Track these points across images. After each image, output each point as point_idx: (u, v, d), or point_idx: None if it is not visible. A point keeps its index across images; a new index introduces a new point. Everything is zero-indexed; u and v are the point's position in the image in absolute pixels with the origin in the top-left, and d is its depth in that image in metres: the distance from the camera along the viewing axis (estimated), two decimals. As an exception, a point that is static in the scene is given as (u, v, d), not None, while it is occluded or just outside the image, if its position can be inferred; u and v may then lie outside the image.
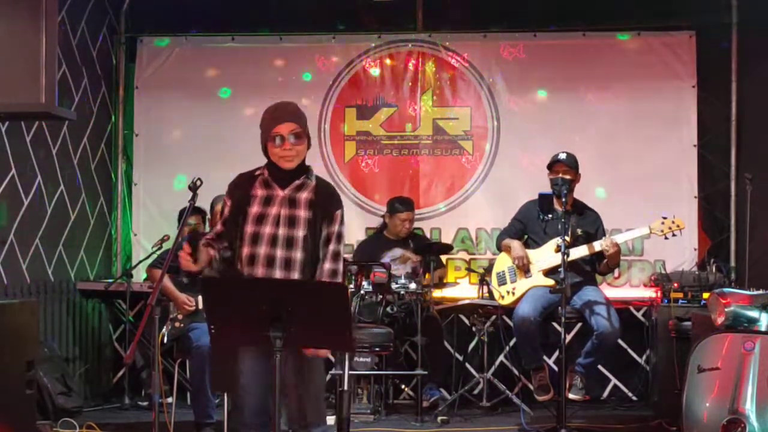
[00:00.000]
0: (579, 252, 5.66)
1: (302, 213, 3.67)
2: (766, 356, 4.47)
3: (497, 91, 7.20)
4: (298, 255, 3.64)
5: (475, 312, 6.46)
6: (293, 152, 3.68)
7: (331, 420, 5.61)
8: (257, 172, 3.77)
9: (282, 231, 3.64)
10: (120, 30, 7.36)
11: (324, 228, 3.71)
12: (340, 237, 3.74)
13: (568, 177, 5.73)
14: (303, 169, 3.76)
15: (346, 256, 5.64)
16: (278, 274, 3.62)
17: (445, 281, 6.79)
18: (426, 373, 6.07)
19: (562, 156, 5.82)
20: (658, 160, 7.00)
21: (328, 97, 7.29)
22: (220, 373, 3.72)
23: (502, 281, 5.95)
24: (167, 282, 5.54)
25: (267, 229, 3.65)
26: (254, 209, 3.68)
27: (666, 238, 5.65)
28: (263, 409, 3.63)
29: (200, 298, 5.49)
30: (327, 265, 3.68)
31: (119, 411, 6.45)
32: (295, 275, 3.62)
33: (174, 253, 3.78)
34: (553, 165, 5.83)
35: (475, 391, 6.59)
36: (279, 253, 3.63)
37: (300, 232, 3.64)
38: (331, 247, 3.71)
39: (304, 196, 3.70)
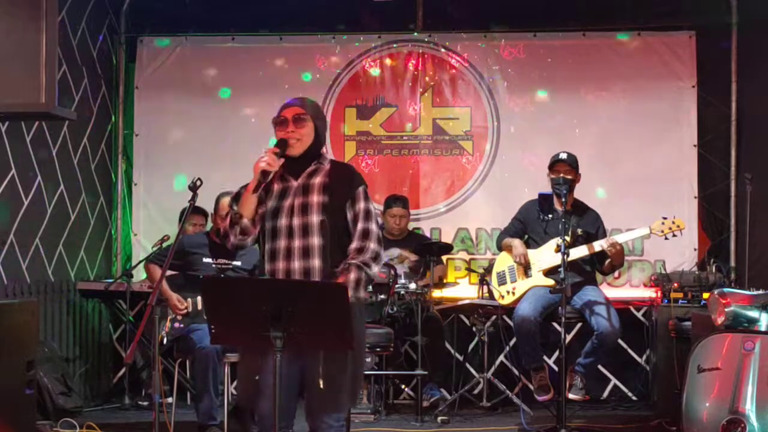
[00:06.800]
0: (579, 252, 5.66)
1: (315, 198, 3.62)
2: (766, 356, 4.47)
3: (497, 91, 7.21)
4: (315, 241, 3.57)
5: (475, 312, 6.46)
6: (296, 134, 3.64)
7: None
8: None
9: (296, 220, 3.60)
10: (120, 30, 7.37)
11: (349, 209, 3.66)
12: (368, 214, 3.66)
13: (569, 177, 5.72)
14: (314, 156, 3.71)
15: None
16: (297, 264, 3.57)
17: (445, 281, 6.79)
18: (426, 373, 6.07)
19: (563, 156, 5.81)
20: (658, 160, 7.00)
21: (328, 97, 7.29)
22: (247, 387, 3.62)
23: (502, 281, 5.95)
24: (163, 282, 5.53)
25: (283, 222, 3.62)
26: (270, 204, 3.66)
27: (666, 238, 5.65)
28: (286, 410, 3.53)
29: (200, 298, 5.49)
30: (354, 245, 3.61)
31: (119, 411, 6.45)
32: (316, 262, 3.56)
33: (173, 251, 3.78)
34: (554, 165, 5.82)
35: (475, 391, 6.60)
36: (297, 243, 3.59)
37: (314, 218, 3.59)
38: (360, 225, 3.64)
39: (317, 181, 3.66)
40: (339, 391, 3.54)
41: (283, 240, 3.61)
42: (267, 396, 3.44)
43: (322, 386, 3.45)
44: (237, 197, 3.72)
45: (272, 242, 3.63)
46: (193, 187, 3.81)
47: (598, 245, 5.66)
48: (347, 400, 3.63)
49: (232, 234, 3.64)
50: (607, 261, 5.72)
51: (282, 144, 3.61)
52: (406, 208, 6.73)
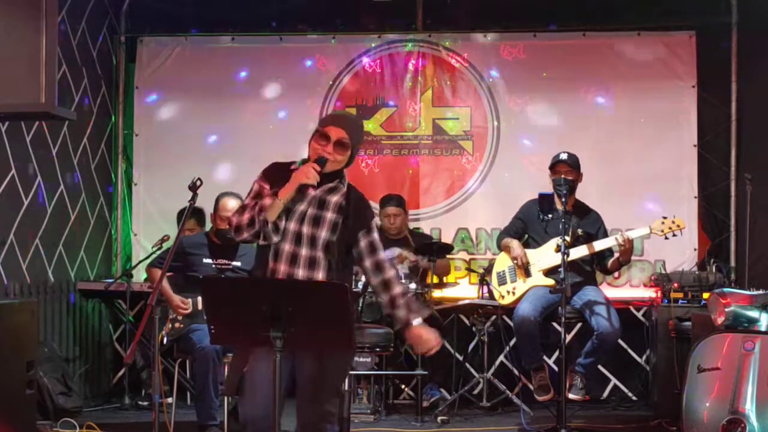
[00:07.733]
0: (579, 252, 5.66)
1: (329, 215, 3.62)
2: (766, 356, 4.47)
3: (497, 91, 7.20)
4: (320, 255, 3.59)
5: (475, 312, 6.46)
6: (330, 157, 3.60)
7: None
8: (292, 167, 3.67)
9: (306, 229, 3.59)
10: (120, 30, 7.37)
11: (362, 237, 3.66)
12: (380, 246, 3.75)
13: (570, 177, 5.72)
14: (337, 174, 3.69)
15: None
16: (301, 272, 3.57)
17: (445, 281, 6.78)
18: (426, 373, 6.07)
19: (564, 156, 5.81)
20: (658, 160, 7.00)
21: (328, 97, 7.29)
22: (233, 376, 3.64)
23: (502, 281, 5.95)
24: (164, 282, 5.53)
25: (292, 226, 3.59)
26: None
27: (666, 238, 5.65)
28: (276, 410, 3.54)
29: (200, 298, 5.49)
30: (392, 273, 3.71)
31: (119, 411, 6.45)
32: (320, 275, 3.58)
33: (173, 253, 3.77)
34: (556, 165, 5.82)
35: (475, 391, 6.59)
36: (303, 251, 3.58)
37: (323, 233, 3.59)
38: (380, 254, 3.70)
39: (334, 199, 3.65)
40: (330, 400, 3.59)
41: (288, 244, 3.59)
42: (258, 394, 3.45)
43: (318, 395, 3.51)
44: (268, 178, 3.66)
45: (277, 242, 3.60)
46: (193, 187, 3.82)
47: (599, 245, 5.66)
48: (336, 409, 3.66)
49: (247, 232, 3.58)
50: (614, 258, 5.72)
51: (321, 163, 3.58)
52: (401, 207, 6.69)
